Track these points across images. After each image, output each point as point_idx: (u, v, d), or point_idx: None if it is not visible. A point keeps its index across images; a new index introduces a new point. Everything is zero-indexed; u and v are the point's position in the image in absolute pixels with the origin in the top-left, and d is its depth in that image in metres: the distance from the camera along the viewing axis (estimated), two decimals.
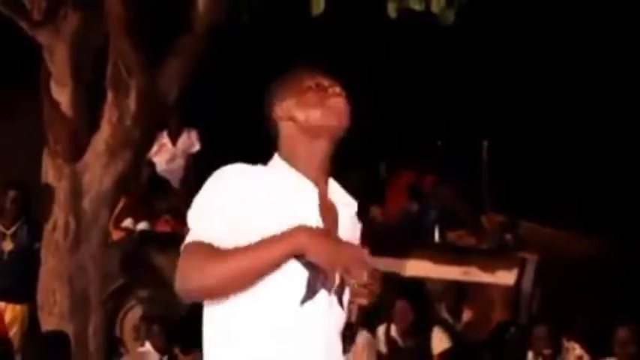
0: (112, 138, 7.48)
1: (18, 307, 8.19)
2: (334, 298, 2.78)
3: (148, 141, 8.16)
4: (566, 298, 8.57)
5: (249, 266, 2.65)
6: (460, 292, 8.82)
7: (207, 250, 2.66)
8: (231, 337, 2.72)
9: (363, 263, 2.67)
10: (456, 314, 8.71)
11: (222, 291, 2.68)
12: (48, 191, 7.62)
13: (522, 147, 10.50)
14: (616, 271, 9.25)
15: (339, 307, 2.80)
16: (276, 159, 2.87)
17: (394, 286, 8.14)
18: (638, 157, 10.30)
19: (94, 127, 7.63)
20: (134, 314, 8.77)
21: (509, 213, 9.46)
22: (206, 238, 2.69)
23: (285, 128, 2.90)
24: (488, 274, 8.82)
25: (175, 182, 10.43)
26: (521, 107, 10.47)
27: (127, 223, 9.53)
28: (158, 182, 10.23)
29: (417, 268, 8.83)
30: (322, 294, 2.75)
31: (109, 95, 7.54)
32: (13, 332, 8.06)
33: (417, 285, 8.52)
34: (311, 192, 2.80)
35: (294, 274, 2.70)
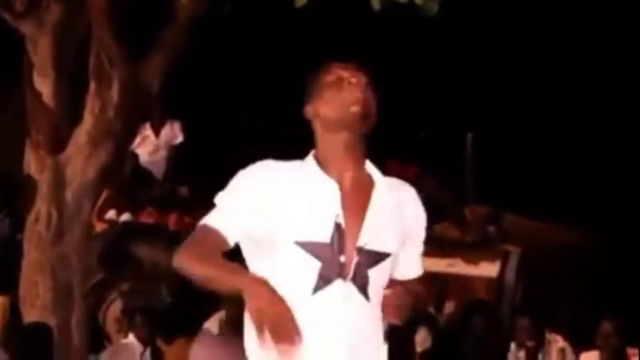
0: (94, 129, 7.45)
1: (0, 299, 8.15)
2: (353, 287, 2.83)
3: (131, 132, 8.13)
4: (548, 291, 8.59)
5: (206, 278, 2.86)
6: (443, 284, 8.82)
7: (201, 239, 2.88)
8: (250, 324, 2.83)
9: (285, 327, 2.71)
10: (439, 307, 8.72)
11: (188, 276, 2.90)
12: (30, 183, 7.58)
13: (506, 139, 10.52)
14: (599, 263, 9.28)
15: (360, 296, 2.83)
16: (308, 157, 2.96)
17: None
18: (622, 150, 10.33)
19: (76, 118, 7.60)
20: (117, 306, 8.74)
21: (492, 205, 9.48)
22: (215, 224, 2.88)
23: (315, 126, 2.98)
24: (471, 267, 8.85)
25: (158, 174, 10.40)
26: (505, 100, 10.48)
27: (110, 214, 9.50)
28: (141, 174, 10.21)
29: None
30: (337, 283, 2.81)
31: (92, 86, 7.50)
32: None
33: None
34: (329, 186, 2.86)
35: (305, 264, 2.80)
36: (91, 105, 7.49)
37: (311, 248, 2.80)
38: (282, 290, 2.79)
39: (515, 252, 8.83)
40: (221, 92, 10.57)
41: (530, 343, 7.45)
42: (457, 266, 8.84)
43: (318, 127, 2.96)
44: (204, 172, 8.83)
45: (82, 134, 7.49)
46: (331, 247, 2.81)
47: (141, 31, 7.57)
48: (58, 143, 7.52)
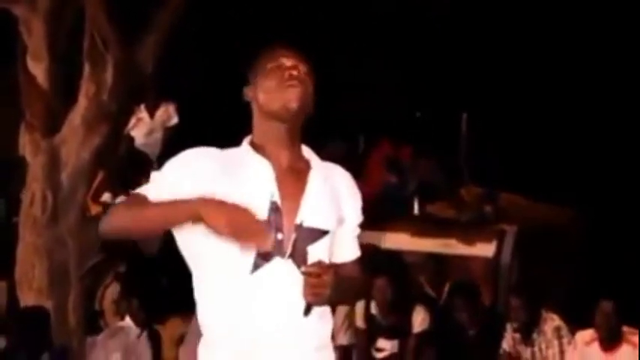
0: (88, 112, 7.45)
1: None
2: (292, 264, 2.84)
3: (126, 114, 8.13)
4: (545, 269, 8.59)
5: (148, 221, 2.87)
6: (440, 264, 8.82)
7: (128, 200, 2.96)
8: (198, 306, 2.90)
9: (259, 230, 2.74)
10: (438, 287, 8.72)
11: (126, 232, 2.98)
12: (25, 165, 7.57)
13: (501, 119, 10.51)
14: (595, 241, 9.29)
15: (297, 270, 2.84)
16: (243, 142, 2.98)
17: (373, 263, 8.13)
18: (618, 129, 10.33)
19: (70, 101, 7.59)
20: (113, 289, 8.74)
21: (488, 185, 9.47)
22: (144, 191, 2.90)
23: (253, 109, 3.00)
24: (467, 246, 8.83)
25: (153, 156, 10.39)
26: (500, 79, 10.47)
27: (106, 197, 9.49)
28: (136, 156, 10.19)
29: (396, 240, 8.83)
30: (275, 261, 2.83)
31: (86, 69, 7.49)
32: None
33: (396, 260, 8.51)
34: (263, 166, 2.88)
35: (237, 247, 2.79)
36: (86, 87, 7.48)
37: None
38: (220, 271, 2.82)
39: (511, 231, 8.82)
40: (216, 73, 10.55)
41: (525, 322, 7.46)
42: (453, 246, 8.82)
43: (255, 110, 2.99)
44: None
45: (76, 117, 7.48)
46: (268, 225, 2.80)
47: (135, 12, 7.55)
48: (52, 126, 7.52)
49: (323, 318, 2.93)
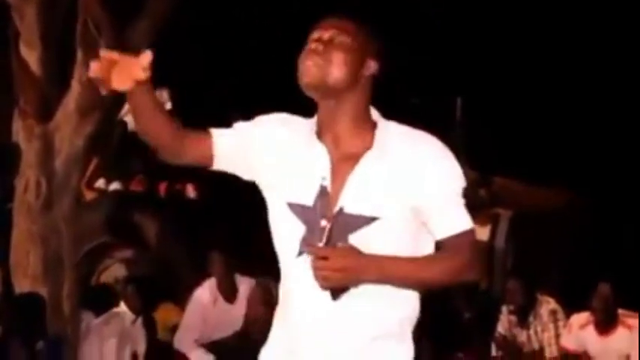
0: (82, 98, 7.43)
1: None
2: None
3: (119, 101, 8.10)
4: (540, 253, 8.61)
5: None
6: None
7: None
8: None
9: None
10: None
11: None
12: (19, 152, 7.56)
13: (496, 104, 10.51)
14: (589, 225, 9.30)
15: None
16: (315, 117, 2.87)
17: None
18: (613, 113, 10.33)
19: (64, 87, 7.57)
20: (108, 275, 8.75)
21: (482, 169, 9.48)
22: (212, 130, 2.82)
23: None
24: None
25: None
26: (494, 64, 10.46)
27: (100, 183, 9.49)
28: (130, 142, 10.17)
29: None
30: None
31: (79, 55, 7.47)
32: None
33: None
34: (319, 151, 2.77)
35: (292, 226, 2.75)
36: (79, 73, 7.46)
37: (296, 210, 2.73)
38: (278, 249, 2.80)
39: (505, 215, 8.82)
40: (209, 58, 10.53)
41: (521, 305, 7.47)
42: None
43: None
44: None
45: (70, 103, 7.47)
46: (314, 211, 2.72)
47: None
48: (46, 112, 7.50)
49: (385, 303, 2.76)
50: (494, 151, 9.75)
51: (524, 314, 7.49)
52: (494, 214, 8.82)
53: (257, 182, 2.84)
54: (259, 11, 10.12)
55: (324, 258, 2.65)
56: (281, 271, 2.83)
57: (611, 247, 9.27)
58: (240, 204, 9.58)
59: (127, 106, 9.91)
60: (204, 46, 10.47)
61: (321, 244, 2.70)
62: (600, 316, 7.16)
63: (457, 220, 2.84)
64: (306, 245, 2.71)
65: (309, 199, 2.73)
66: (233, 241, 8.62)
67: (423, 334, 8.03)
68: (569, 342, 7.32)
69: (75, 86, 7.47)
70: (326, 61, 2.74)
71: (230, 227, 9.09)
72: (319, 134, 2.79)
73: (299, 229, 2.73)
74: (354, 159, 2.76)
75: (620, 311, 7.19)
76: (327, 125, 2.79)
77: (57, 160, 7.45)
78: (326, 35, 2.77)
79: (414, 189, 2.75)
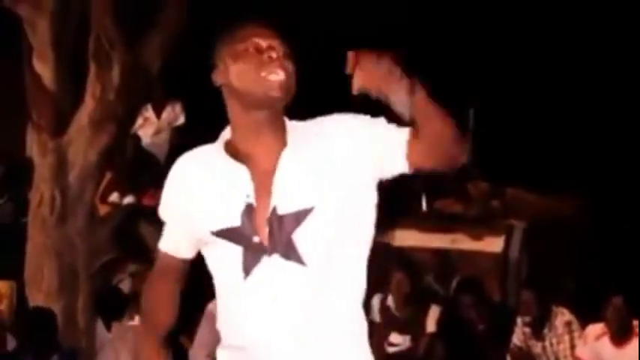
0: (95, 112, 7.44)
1: (6, 284, 8.15)
2: (279, 259, 2.60)
3: (132, 114, 8.12)
4: (554, 264, 8.58)
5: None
6: (447, 261, 8.82)
7: (162, 269, 2.90)
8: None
9: None
10: (445, 284, 8.71)
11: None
12: (33, 166, 7.58)
13: (509, 114, 10.49)
14: (604, 236, 9.27)
15: (293, 264, 2.59)
16: (221, 136, 2.74)
17: (391, 257, 8.17)
18: (628, 123, 10.30)
19: (77, 101, 7.59)
20: (123, 289, 8.74)
21: (495, 180, 9.46)
22: (163, 247, 2.85)
23: (225, 94, 2.71)
24: (475, 242, 8.83)
25: (161, 155, 10.39)
26: (507, 75, 10.45)
27: (114, 197, 9.50)
28: (143, 156, 10.20)
29: (404, 237, 8.83)
30: (264, 261, 2.60)
31: (92, 69, 7.49)
32: (0, 310, 8.04)
33: (408, 256, 8.54)
34: (238, 170, 2.64)
35: (227, 252, 2.64)
36: (92, 87, 7.48)
37: (226, 235, 2.61)
38: (219, 282, 2.69)
39: (519, 226, 8.82)
40: None
41: (536, 317, 7.46)
42: (461, 242, 8.82)
43: (227, 94, 2.70)
44: None
45: (83, 117, 7.48)
46: (243, 228, 2.61)
47: (140, 11, 7.54)
48: (59, 126, 7.51)
49: (347, 315, 2.67)
50: (507, 162, 9.73)
51: (539, 326, 7.48)
52: (508, 225, 8.81)
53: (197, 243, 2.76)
54: (272, 22, 10.13)
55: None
56: (220, 303, 2.71)
57: (626, 257, 9.23)
58: None
59: (140, 120, 9.97)
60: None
61: (266, 258, 2.59)
62: (614, 327, 7.14)
63: (395, 129, 2.69)
64: (250, 264, 2.60)
65: (235, 221, 2.61)
66: None
67: (438, 346, 8.03)
68: (584, 353, 7.29)
69: (88, 100, 7.49)
70: (289, 73, 2.63)
71: None
72: (235, 148, 2.67)
73: (236, 252, 2.62)
74: (272, 163, 2.63)
75: (636, 322, 7.16)
76: (251, 135, 2.66)
77: (71, 175, 7.46)
78: (277, 45, 2.64)
79: (341, 168, 2.63)
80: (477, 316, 7.82)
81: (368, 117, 2.70)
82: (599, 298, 7.35)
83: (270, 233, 2.59)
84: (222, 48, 2.70)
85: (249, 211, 2.61)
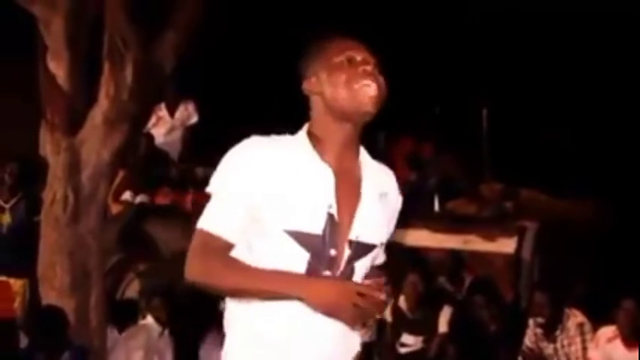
0: (109, 111, 7.45)
1: (19, 282, 8.17)
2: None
3: (146, 113, 8.13)
4: (566, 265, 8.56)
5: (245, 289, 2.66)
6: (460, 261, 8.81)
7: (215, 249, 2.68)
8: (241, 319, 2.74)
9: (362, 314, 2.62)
10: (457, 284, 8.71)
11: (216, 292, 2.73)
12: (46, 164, 7.59)
13: (522, 115, 10.48)
14: (616, 237, 9.25)
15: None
16: (302, 132, 2.76)
17: (405, 258, 8.17)
18: (636, 121, 10.28)
19: (91, 100, 7.60)
20: (135, 287, 8.77)
21: (508, 181, 9.45)
22: (216, 230, 2.69)
23: (314, 102, 2.77)
24: (488, 243, 8.82)
25: (174, 154, 10.41)
26: (520, 75, 10.43)
27: (126, 196, 9.52)
28: (156, 154, 10.22)
29: (417, 237, 8.82)
30: (326, 275, 2.67)
31: (106, 68, 7.50)
32: (14, 308, 8.06)
33: (420, 256, 8.54)
34: (324, 173, 2.69)
35: (294, 255, 2.66)
36: (106, 87, 7.49)
37: (301, 239, 2.64)
38: None
39: (532, 227, 8.80)
40: (235, 71, 10.56)
41: (548, 318, 7.44)
42: (474, 243, 8.81)
43: (317, 103, 2.75)
44: (219, 152, 8.83)
45: (97, 116, 7.50)
46: (323, 240, 2.64)
47: (154, 10, 7.55)
48: (73, 125, 7.53)
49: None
50: (520, 163, 9.72)
51: (551, 327, 7.46)
52: (521, 226, 8.80)
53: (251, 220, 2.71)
54: (286, 22, 10.14)
55: (360, 294, 2.60)
56: (263, 310, 2.69)
57: (638, 259, 9.20)
58: None
59: (153, 119, 9.99)
60: (231, 57, 10.50)
61: (328, 273, 2.66)
62: (626, 331, 7.13)
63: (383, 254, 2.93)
64: (312, 274, 2.64)
65: (314, 227, 2.65)
66: None
67: (450, 347, 8.03)
68: (596, 355, 7.28)
69: (102, 99, 7.50)
70: (381, 87, 2.72)
71: None
72: (319, 151, 2.72)
73: (302, 257, 2.66)
74: (356, 182, 2.74)
75: None
76: (334, 145, 2.73)
77: (84, 173, 7.47)
78: (370, 59, 2.73)
79: (391, 214, 2.87)
80: (489, 317, 7.82)
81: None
82: (611, 300, 7.34)
83: (350, 255, 2.70)
84: (316, 60, 2.75)
85: (331, 223, 2.67)
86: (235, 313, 2.75)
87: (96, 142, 7.47)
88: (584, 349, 7.36)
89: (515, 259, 8.70)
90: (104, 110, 7.47)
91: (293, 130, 2.83)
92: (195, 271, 2.68)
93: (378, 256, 2.88)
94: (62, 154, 7.49)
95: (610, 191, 9.50)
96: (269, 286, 2.62)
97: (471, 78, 10.54)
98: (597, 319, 7.49)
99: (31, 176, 8.24)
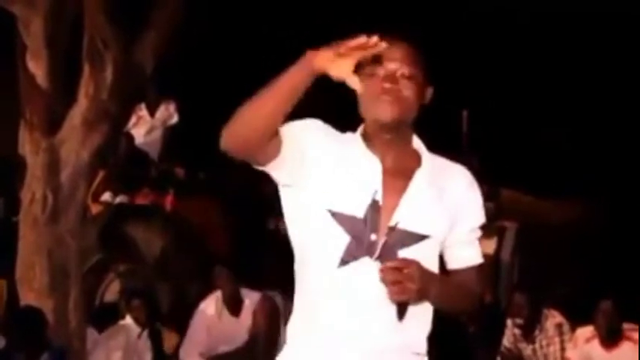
0: (88, 111, 7.43)
1: None
2: (378, 265, 2.70)
3: (126, 113, 8.12)
4: (546, 266, 8.60)
5: (272, 97, 2.68)
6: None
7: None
8: (301, 307, 2.81)
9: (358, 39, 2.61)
10: None
11: (254, 130, 2.70)
12: (25, 164, 7.57)
13: (502, 115, 10.50)
14: (596, 238, 9.29)
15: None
16: (358, 130, 2.86)
17: None
18: (619, 123, 10.32)
19: (70, 100, 7.58)
20: (114, 288, 8.74)
21: (489, 182, 9.47)
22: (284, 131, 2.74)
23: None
24: None
25: (154, 154, 10.38)
26: (500, 76, 10.45)
27: (106, 196, 9.49)
28: (136, 155, 10.19)
29: None
30: (363, 260, 2.71)
31: (86, 68, 7.48)
32: None
33: None
34: (372, 163, 2.77)
35: (334, 236, 2.72)
36: (85, 86, 7.47)
37: (343, 221, 2.71)
38: (310, 257, 2.75)
39: (511, 228, 8.82)
40: (216, 71, 10.54)
41: (526, 319, 7.46)
42: None
43: (359, 99, 2.84)
44: (200, 153, 8.82)
45: (76, 116, 7.48)
46: (364, 223, 2.71)
47: (134, 10, 7.54)
48: (52, 125, 7.51)
49: (419, 322, 2.84)
50: (500, 164, 9.75)
51: (529, 328, 7.48)
52: (500, 226, 8.82)
53: (295, 186, 2.76)
54: (268, 21, 10.14)
55: (397, 269, 2.64)
56: (304, 281, 2.79)
57: (617, 259, 9.25)
58: (247, 218, 9.58)
59: (133, 119, 9.96)
60: (212, 57, 10.49)
61: (368, 258, 2.71)
62: (604, 331, 7.16)
63: (474, 254, 2.94)
64: (350, 256, 2.69)
65: (358, 211, 2.72)
66: (238, 255, 8.62)
67: (428, 348, 8.02)
68: (574, 356, 7.31)
69: (81, 99, 7.48)
70: (401, 99, 2.78)
71: (236, 241, 9.09)
72: (369, 144, 2.81)
73: (342, 240, 2.72)
74: (406, 173, 2.80)
75: (625, 325, 7.18)
76: (381, 140, 2.81)
77: (63, 173, 7.45)
78: (402, 69, 2.80)
79: (452, 215, 2.83)
80: (468, 318, 7.82)
81: (479, 207, 2.94)
82: (589, 300, 7.37)
83: (386, 241, 2.72)
84: (360, 62, 2.74)
85: (375, 207, 2.73)
86: (296, 303, 2.82)
87: (75, 142, 7.45)
88: (563, 349, 7.39)
89: (494, 260, 8.72)
90: (83, 110, 7.45)
91: None
92: (228, 128, 2.76)
93: (456, 254, 2.90)
94: (41, 153, 7.46)
95: (591, 193, 9.54)
96: (287, 78, 2.66)
97: (450, 79, 10.55)
98: (576, 320, 7.52)
99: (9, 176, 8.21)
